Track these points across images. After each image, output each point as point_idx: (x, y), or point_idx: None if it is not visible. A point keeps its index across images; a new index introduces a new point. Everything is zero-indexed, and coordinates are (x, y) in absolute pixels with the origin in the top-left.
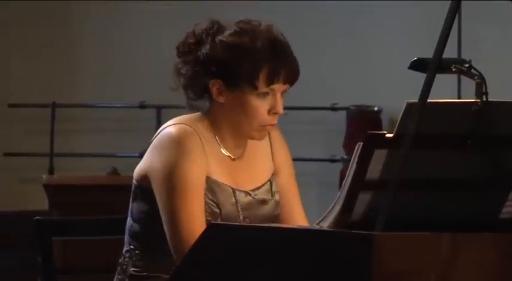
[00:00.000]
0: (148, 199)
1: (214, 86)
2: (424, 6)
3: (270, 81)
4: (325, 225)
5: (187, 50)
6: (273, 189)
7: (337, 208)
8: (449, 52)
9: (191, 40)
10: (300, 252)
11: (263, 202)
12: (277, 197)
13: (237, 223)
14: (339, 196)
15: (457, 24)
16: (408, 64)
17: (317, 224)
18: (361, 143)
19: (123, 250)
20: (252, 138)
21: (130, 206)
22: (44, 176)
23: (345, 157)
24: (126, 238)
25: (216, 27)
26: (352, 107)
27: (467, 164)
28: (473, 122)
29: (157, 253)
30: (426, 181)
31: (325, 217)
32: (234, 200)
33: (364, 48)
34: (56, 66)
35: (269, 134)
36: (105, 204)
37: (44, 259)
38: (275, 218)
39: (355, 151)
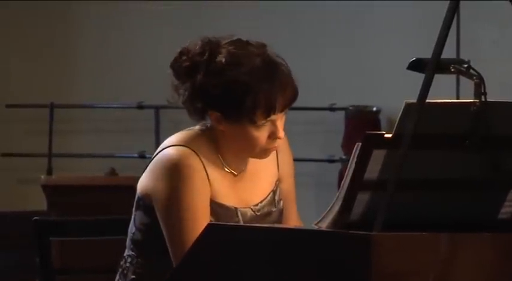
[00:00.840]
0: (150, 213)
1: (213, 115)
2: (423, 7)
3: (268, 115)
4: (324, 225)
5: (183, 72)
6: (276, 198)
7: (336, 208)
8: (448, 52)
9: (186, 63)
10: (299, 252)
11: (267, 214)
12: (280, 205)
13: (236, 223)
14: (338, 196)
15: (456, 24)
16: (407, 64)
17: (315, 224)
18: (360, 144)
19: (125, 253)
20: (257, 158)
21: (133, 213)
22: (42, 176)
23: (344, 157)
24: (128, 242)
25: (208, 53)
26: (350, 108)
27: (466, 164)
28: (472, 122)
29: (157, 263)
30: (425, 181)
31: (323, 217)
32: (237, 219)
33: (362, 48)
34: (55, 67)
35: None
36: (104, 204)
37: (42, 259)
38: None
39: (353, 151)
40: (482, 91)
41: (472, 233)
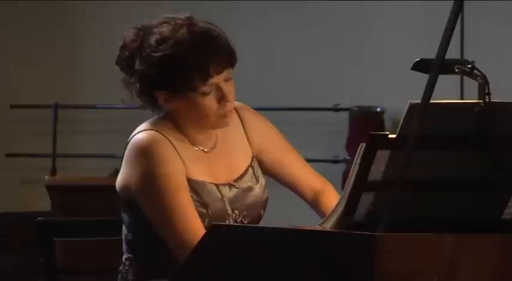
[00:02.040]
0: (132, 209)
1: (160, 97)
2: (427, 7)
3: (205, 79)
4: (328, 226)
5: (126, 64)
6: (256, 173)
7: (340, 208)
8: (452, 53)
9: (126, 54)
10: (303, 253)
11: (249, 189)
12: (262, 181)
13: (239, 224)
14: (342, 196)
15: (460, 24)
16: (411, 65)
17: (320, 224)
18: (364, 144)
19: (123, 258)
20: (217, 128)
21: (122, 215)
22: (46, 177)
23: (348, 157)
24: (124, 246)
25: (141, 37)
26: (354, 108)
27: (470, 164)
28: (476, 122)
29: (154, 260)
30: (429, 182)
31: (328, 217)
32: (219, 195)
33: (366, 49)
34: (59, 67)
35: (240, 115)
36: (108, 205)
37: (46, 260)
38: (265, 201)
39: (357, 151)
40: (486, 92)
41: (476, 234)
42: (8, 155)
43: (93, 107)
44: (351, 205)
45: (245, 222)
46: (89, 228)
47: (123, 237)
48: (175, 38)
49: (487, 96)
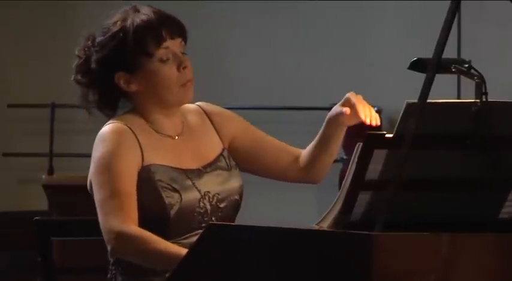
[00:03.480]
0: None
1: (120, 79)
2: (424, 7)
3: (159, 41)
4: (325, 225)
5: (81, 73)
6: (228, 163)
7: (337, 208)
8: (449, 52)
9: (80, 61)
10: (300, 252)
11: (220, 174)
12: (234, 171)
13: (236, 223)
14: (339, 196)
15: (457, 24)
16: (408, 64)
17: (317, 224)
18: (361, 144)
19: (110, 265)
20: (180, 102)
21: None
22: (43, 176)
23: (345, 157)
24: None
25: (92, 38)
26: None
27: (467, 164)
28: (473, 122)
29: None
30: (426, 181)
31: (324, 217)
32: (188, 179)
33: (363, 48)
34: (56, 67)
35: (205, 111)
36: None
37: (43, 259)
38: (239, 189)
39: (354, 151)
40: (483, 91)
41: (473, 233)
42: (5, 154)
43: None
44: (348, 204)
45: (221, 206)
46: (86, 227)
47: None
48: (123, 17)
49: (483, 96)
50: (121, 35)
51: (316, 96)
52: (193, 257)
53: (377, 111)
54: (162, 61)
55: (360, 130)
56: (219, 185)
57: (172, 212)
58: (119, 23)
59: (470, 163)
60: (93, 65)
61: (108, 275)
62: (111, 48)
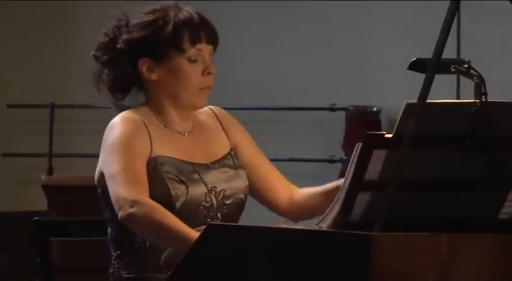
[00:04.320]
0: (109, 197)
1: (144, 65)
2: (423, 7)
3: (194, 41)
4: (325, 225)
5: (104, 50)
6: (236, 162)
7: (336, 208)
8: (449, 52)
9: (105, 40)
10: (299, 252)
11: (227, 172)
12: (241, 171)
13: (236, 224)
14: (338, 196)
15: (456, 24)
16: (407, 64)
17: (316, 224)
18: (360, 144)
19: (112, 260)
20: (193, 106)
21: (104, 215)
22: (42, 176)
23: (344, 157)
24: (111, 246)
25: (126, 19)
26: (351, 108)
27: (466, 164)
28: (472, 122)
29: (142, 252)
30: (425, 181)
31: (324, 217)
32: (195, 173)
33: (363, 48)
34: (55, 67)
35: (216, 115)
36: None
37: (42, 260)
38: (245, 188)
39: (354, 151)
40: (483, 91)
41: (473, 234)
42: (4, 154)
43: (89, 106)
44: (347, 204)
45: (226, 202)
46: (85, 228)
47: (109, 237)
48: (164, 8)
49: (483, 96)
50: (160, 23)
51: (315, 96)
52: (193, 257)
53: (377, 112)
54: (191, 60)
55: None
56: (226, 181)
57: (178, 203)
58: (160, 12)
59: (469, 163)
60: (120, 45)
61: (110, 270)
62: (146, 33)
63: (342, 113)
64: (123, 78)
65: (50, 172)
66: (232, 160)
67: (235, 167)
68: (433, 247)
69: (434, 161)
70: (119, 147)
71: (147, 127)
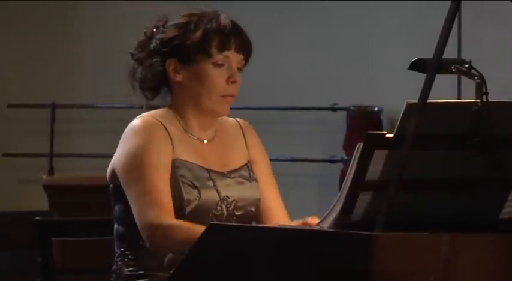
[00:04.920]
0: (121, 200)
1: (171, 66)
2: (424, 7)
3: (223, 48)
4: (326, 225)
5: (140, 48)
6: (251, 174)
7: (338, 208)
8: (449, 52)
9: (143, 38)
10: (300, 252)
11: (242, 183)
12: (256, 184)
13: (238, 224)
14: (339, 196)
15: (457, 24)
16: (408, 64)
17: (317, 224)
18: (361, 144)
19: (115, 257)
20: (215, 113)
21: (113, 211)
22: (43, 176)
23: (345, 157)
24: (116, 243)
25: (164, 19)
26: (352, 108)
27: (467, 164)
28: (473, 122)
29: (147, 251)
30: (426, 181)
31: (325, 217)
32: (210, 180)
33: (364, 48)
34: (56, 67)
35: (242, 128)
36: (105, 205)
37: (44, 260)
38: (256, 201)
39: (355, 151)
40: (484, 91)
41: (473, 234)
42: (5, 154)
43: (90, 106)
44: (348, 204)
45: (237, 213)
46: (86, 228)
47: (115, 233)
48: (202, 14)
49: (484, 96)
50: (192, 26)
51: (316, 96)
52: (194, 257)
53: (377, 112)
54: (216, 65)
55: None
56: (239, 192)
57: (189, 208)
58: (195, 17)
59: (470, 163)
60: (154, 43)
61: (113, 267)
62: (176, 34)
63: (343, 113)
64: (153, 78)
65: (50, 172)
66: (248, 171)
67: (250, 179)
68: (434, 247)
69: (435, 161)
70: (138, 163)
71: (167, 130)
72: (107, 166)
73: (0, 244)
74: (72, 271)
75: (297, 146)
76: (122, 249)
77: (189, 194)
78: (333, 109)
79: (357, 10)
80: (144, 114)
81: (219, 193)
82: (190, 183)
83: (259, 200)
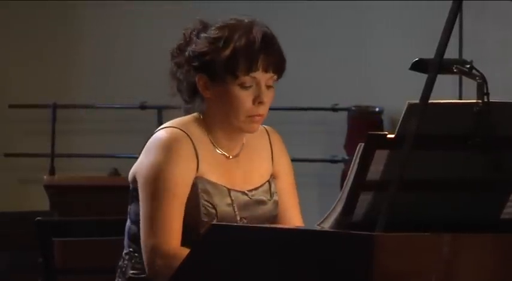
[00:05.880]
0: (138, 201)
1: (200, 80)
2: (425, 7)
3: (249, 69)
4: (327, 226)
5: (178, 51)
6: (272, 190)
7: (339, 208)
8: (451, 53)
9: (181, 42)
10: (301, 253)
11: (261, 202)
12: (276, 197)
13: (238, 224)
14: (340, 196)
15: (459, 24)
16: (409, 65)
17: (318, 224)
18: (362, 144)
19: (123, 253)
20: (242, 131)
21: (128, 209)
22: (44, 176)
23: (346, 157)
24: (126, 240)
25: (203, 26)
26: (353, 108)
27: (468, 164)
28: (475, 122)
29: None
30: (427, 182)
31: (326, 217)
32: (229, 200)
33: (365, 48)
34: (57, 67)
35: (270, 137)
36: (106, 205)
37: (45, 260)
38: (274, 218)
39: (356, 151)
40: (485, 91)
41: (475, 234)
42: (6, 154)
43: (91, 106)
44: (349, 204)
45: None
46: (87, 228)
47: (126, 230)
48: (236, 25)
49: (485, 96)
50: (221, 43)
51: (317, 96)
52: (195, 257)
53: (379, 112)
54: (243, 87)
55: (362, 131)
56: (257, 212)
57: (204, 229)
58: (226, 30)
59: (471, 163)
60: (187, 53)
61: (120, 263)
62: (206, 50)
63: (344, 113)
64: (187, 86)
65: (52, 172)
66: (269, 187)
67: (271, 196)
68: (435, 247)
69: (436, 162)
70: (161, 180)
71: (194, 146)
72: (108, 166)
73: (1, 244)
74: (73, 271)
75: (298, 146)
76: (131, 249)
77: (207, 215)
78: (334, 109)
79: (359, 10)
80: (173, 122)
81: (236, 214)
82: (209, 204)
83: (275, 217)
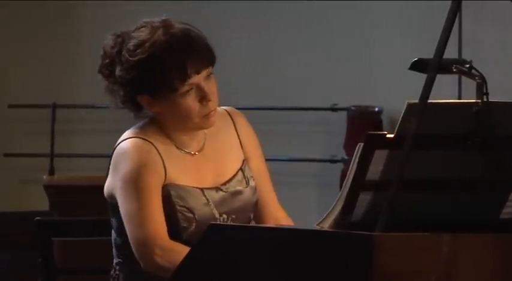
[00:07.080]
0: (119, 214)
1: (143, 100)
2: (425, 7)
3: (183, 79)
4: (326, 225)
5: (108, 72)
6: (247, 176)
7: (338, 208)
8: (450, 52)
9: (106, 61)
10: (301, 253)
11: (237, 193)
12: (252, 183)
13: (238, 224)
14: (340, 196)
15: (458, 24)
16: (409, 64)
17: (318, 224)
18: (362, 144)
19: (113, 263)
20: (202, 128)
21: (111, 222)
22: (44, 176)
23: (346, 157)
24: (114, 250)
25: (120, 43)
26: (352, 108)
27: (468, 164)
28: (474, 122)
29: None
30: (427, 182)
31: (325, 217)
32: (205, 199)
33: (364, 48)
34: (57, 67)
35: (233, 119)
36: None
37: (44, 260)
38: (254, 205)
39: (355, 151)
40: (484, 91)
41: (474, 234)
42: (6, 154)
43: (91, 106)
44: (348, 204)
45: (236, 224)
46: (87, 228)
47: (113, 243)
48: (152, 40)
49: (484, 96)
50: (147, 66)
51: (316, 96)
52: (194, 257)
53: (378, 112)
54: (186, 94)
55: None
56: (236, 204)
57: (185, 235)
58: (147, 47)
59: (471, 163)
60: (118, 79)
61: (111, 272)
62: (136, 74)
63: (344, 113)
64: (131, 104)
65: (51, 172)
66: (243, 175)
67: (246, 182)
68: (435, 247)
69: (435, 161)
70: (133, 184)
71: (159, 153)
72: (107, 166)
73: (1, 244)
74: (72, 271)
75: (297, 146)
76: (120, 259)
77: (185, 220)
78: (334, 109)
79: (359, 10)
80: (133, 132)
81: (214, 212)
82: (185, 208)
83: (256, 202)
